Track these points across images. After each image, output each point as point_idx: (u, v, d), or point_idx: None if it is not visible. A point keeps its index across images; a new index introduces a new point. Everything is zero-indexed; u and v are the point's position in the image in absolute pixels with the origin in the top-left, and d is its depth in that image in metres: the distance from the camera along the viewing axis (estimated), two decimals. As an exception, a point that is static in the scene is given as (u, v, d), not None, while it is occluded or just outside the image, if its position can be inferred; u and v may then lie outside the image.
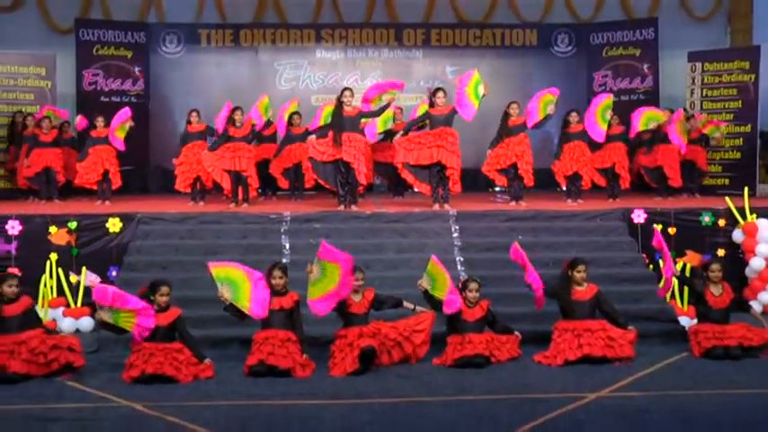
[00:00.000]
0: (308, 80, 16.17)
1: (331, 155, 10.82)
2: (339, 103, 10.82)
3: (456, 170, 10.91)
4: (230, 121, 11.65)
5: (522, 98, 11.89)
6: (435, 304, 8.02)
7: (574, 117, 12.01)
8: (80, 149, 12.76)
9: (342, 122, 10.75)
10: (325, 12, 16.12)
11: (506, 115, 11.55)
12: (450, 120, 10.94)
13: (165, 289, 7.68)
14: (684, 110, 13.25)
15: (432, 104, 11.06)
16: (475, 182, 13.96)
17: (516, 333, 8.15)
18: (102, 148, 12.28)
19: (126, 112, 12.35)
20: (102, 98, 15.28)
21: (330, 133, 10.92)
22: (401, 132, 11.52)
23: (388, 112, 12.01)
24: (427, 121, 11.20)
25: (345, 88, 11.06)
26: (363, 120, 11.23)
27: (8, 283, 7.72)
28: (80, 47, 15.35)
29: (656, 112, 12.52)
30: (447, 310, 7.96)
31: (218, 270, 7.82)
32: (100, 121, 12.43)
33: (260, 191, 12.80)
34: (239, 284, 7.75)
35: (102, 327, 7.83)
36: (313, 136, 11.82)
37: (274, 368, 7.39)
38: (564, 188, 12.35)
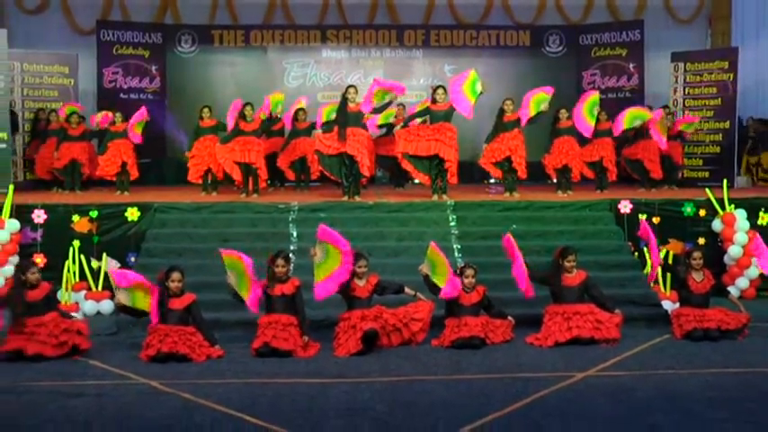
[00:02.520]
0: (315, 78, 16.12)
1: (336, 148, 10.78)
2: (344, 100, 10.78)
3: (453, 163, 10.88)
4: (241, 115, 11.63)
5: (516, 95, 11.84)
6: (435, 289, 8.01)
7: (563, 113, 12.01)
8: (99, 143, 12.76)
9: (346, 118, 10.71)
10: (330, 14, 16.06)
11: (501, 111, 11.52)
12: (449, 115, 10.89)
13: (176, 275, 7.66)
14: (666, 107, 13.22)
15: (432, 101, 11.02)
16: (471, 174, 13.92)
17: (510, 318, 8.12)
18: (121, 142, 12.30)
19: (143, 112, 12.39)
20: (122, 95, 15.27)
21: (335, 128, 10.88)
22: (401, 125, 11.50)
23: (390, 109, 11.97)
24: (427, 117, 11.16)
25: (350, 85, 11.02)
26: (368, 115, 11.19)
27: (31, 270, 7.74)
28: (101, 47, 15.32)
29: (639, 111, 12.49)
30: (444, 296, 7.94)
31: (229, 258, 7.80)
32: (118, 117, 12.44)
33: (269, 182, 12.78)
34: (242, 276, 7.72)
35: (121, 310, 7.82)
36: (319, 131, 11.78)
37: (277, 350, 7.39)
38: (555, 180, 12.33)
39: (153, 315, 7.51)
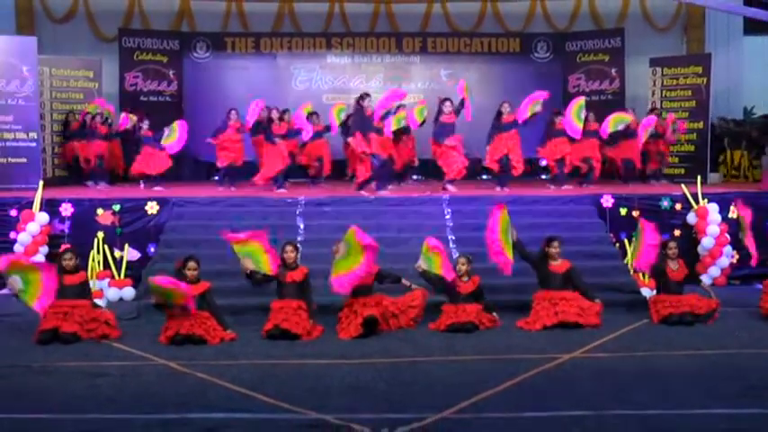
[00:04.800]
0: (320, 82, 16.07)
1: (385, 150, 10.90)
2: (359, 107, 10.76)
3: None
4: (269, 119, 11.69)
5: (507, 98, 11.83)
6: (432, 281, 7.98)
7: (558, 118, 12.00)
8: (122, 142, 12.78)
9: (364, 122, 10.72)
10: (334, 22, 16.01)
11: (499, 113, 11.51)
12: (454, 125, 11.00)
13: (192, 264, 7.66)
14: (654, 109, 13.19)
15: (442, 112, 11.01)
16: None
17: (494, 314, 8.05)
18: (155, 151, 12.35)
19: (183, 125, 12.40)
20: (142, 97, 15.23)
21: (355, 133, 10.85)
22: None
23: (401, 112, 11.94)
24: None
25: (365, 93, 11.02)
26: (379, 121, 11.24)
27: (67, 256, 7.84)
28: (123, 53, 15.27)
29: (622, 116, 12.46)
30: (447, 278, 7.89)
31: (239, 247, 7.75)
32: (145, 123, 12.46)
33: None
34: (258, 255, 7.69)
35: (157, 306, 7.66)
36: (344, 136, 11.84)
37: (287, 332, 7.39)
38: (552, 175, 12.26)
39: (191, 303, 7.41)
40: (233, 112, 12.30)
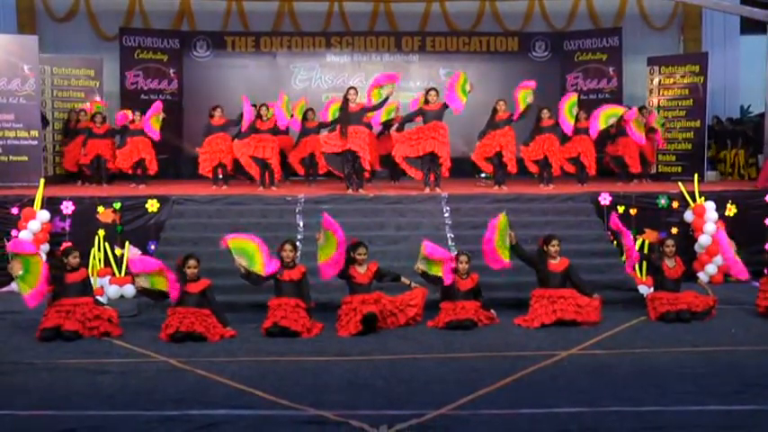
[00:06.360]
0: (319, 81, 16.05)
1: (340, 146, 10.72)
2: (345, 101, 10.71)
3: (446, 158, 10.87)
4: (257, 115, 11.60)
5: (505, 97, 11.81)
6: (433, 280, 7.99)
7: (545, 113, 11.95)
8: (120, 140, 12.75)
9: (348, 117, 10.64)
10: (334, 21, 15.99)
11: (494, 111, 11.49)
12: (440, 114, 10.87)
13: (192, 262, 7.67)
14: (643, 107, 13.17)
15: (426, 101, 10.99)
16: (463, 169, 13.85)
17: (492, 312, 8.08)
18: (139, 139, 12.27)
19: (158, 106, 12.37)
20: (143, 96, 15.17)
21: (338, 127, 10.84)
22: (396, 126, 11.46)
23: (391, 104, 11.89)
24: (420, 117, 11.12)
25: (350, 87, 10.96)
26: (369, 114, 11.14)
27: (72, 255, 7.88)
28: (123, 51, 15.23)
29: (612, 109, 12.40)
30: (447, 282, 7.93)
31: (235, 243, 7.77)
32: (137, 115, 12.41)
33: (282, 176, 12.74)
34: (252, 254, 7.70)
35: (143, 294, 7.83)
36: (325, 131, 11.71)
37: (286, 329, 7.39)
38: (536, 174, 12.23)
39: (173, 291, 7.51)
40: (218, 109, 12.23)
